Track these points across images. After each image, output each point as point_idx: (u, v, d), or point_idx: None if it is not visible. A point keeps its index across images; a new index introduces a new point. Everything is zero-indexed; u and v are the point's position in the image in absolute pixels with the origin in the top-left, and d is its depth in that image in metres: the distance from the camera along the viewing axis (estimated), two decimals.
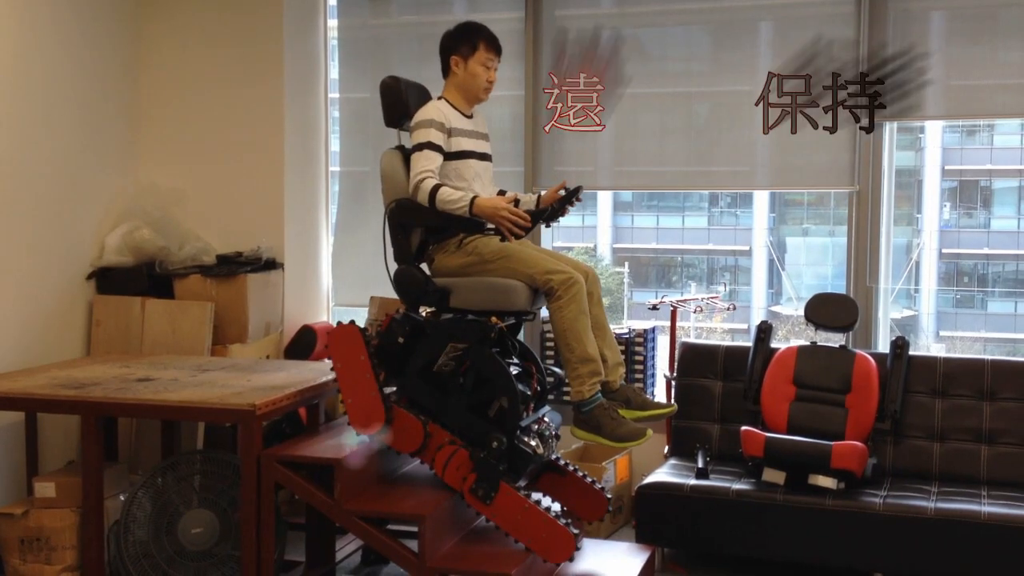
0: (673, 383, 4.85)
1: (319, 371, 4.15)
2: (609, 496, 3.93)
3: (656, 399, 4.27)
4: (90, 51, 4.96)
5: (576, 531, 3.43)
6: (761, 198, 9.67)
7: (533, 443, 3.50)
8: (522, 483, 3.58)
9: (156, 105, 5.33)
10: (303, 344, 5.11)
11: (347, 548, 4.20)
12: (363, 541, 3.88)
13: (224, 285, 4.85)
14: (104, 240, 4.94)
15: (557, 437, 3.80)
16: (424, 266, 3.71)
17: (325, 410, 4.24)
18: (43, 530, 3.86)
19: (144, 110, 5.33)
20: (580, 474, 3.92)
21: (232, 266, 4.93)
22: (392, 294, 3.75)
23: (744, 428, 4.32)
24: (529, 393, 3.58)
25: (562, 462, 3.92)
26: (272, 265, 5.13)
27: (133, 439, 4.74)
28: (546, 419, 3.73)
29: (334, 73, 5.66)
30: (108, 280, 4.91)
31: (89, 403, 3.66)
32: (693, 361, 4.84)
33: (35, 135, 4.60)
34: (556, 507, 3.67)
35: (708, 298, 5.16)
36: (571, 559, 3.42)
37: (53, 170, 4.71)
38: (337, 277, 5.65)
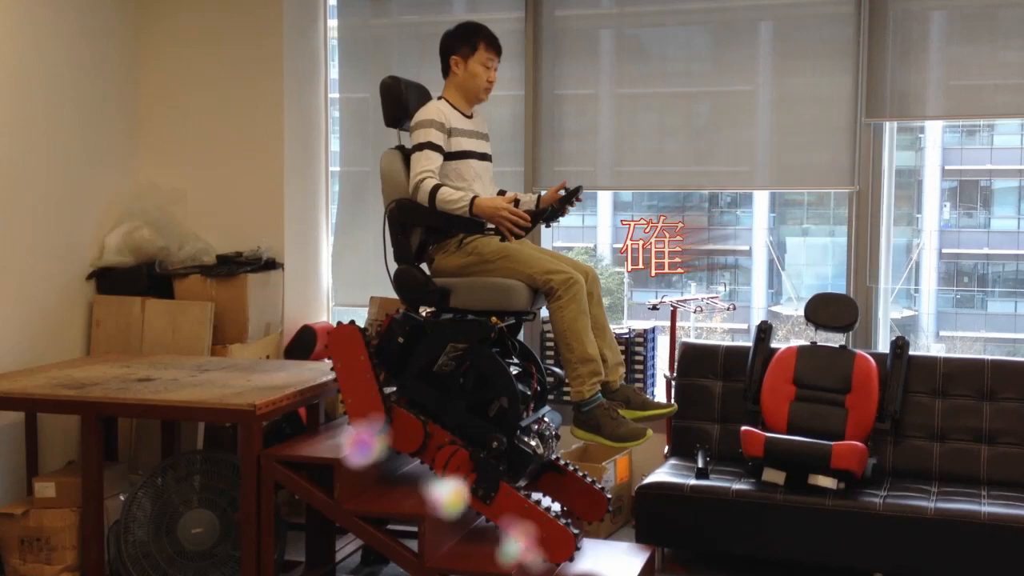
0: (673, 383, 4.85)
1: (319, 371, 4.15)
2: (609, 496, 3.92)
3: (656, 399, 4.27)
4: (90, 51, 4.96)
5: (576, 531, 3.42)
6: (761, 198, 9.66)
7: (533, 443, 3.50)
8: (522, 483, 3.57)
9: (156, 105, 5.33)
10: (303, 344, 5.11)
11: (347, 548, 4.20)
12: (363, 541, 3.88)
13: (224, 285, 4.85)
14: (104, 240, 4.94)
15: (557, 437, 3.79)
16: (424, 266, 3.71)
17: (325, 410, 4.24)
18: (43, 530, 3.86)
19: (144, 110, 5.33)
20: (580, 474, 3.91)
21: (232, 266, 4.92)
22: (392, 294, 3.74)
23: (744, 428, 4.32)
24: (529, 393, 3.58)
25: (562, 462, 3.91)
26: (272, 265, 5.13)
27: (133, 439, 4.74)
28: (546, 419, 3.72)
29: (334, 73, 5.65)
30: (108, 280, 4.91)
31: (89, 403, 3.66)
32: (693, 361, 4.84)
33: (35, 135, 4.60)
34: (556, 507, 3.66)
35: (708, 298, 5.15)
36: (571, 559, 3.42)
37: (53, 170, 4.71)
38: (337, 277, 5.65)
